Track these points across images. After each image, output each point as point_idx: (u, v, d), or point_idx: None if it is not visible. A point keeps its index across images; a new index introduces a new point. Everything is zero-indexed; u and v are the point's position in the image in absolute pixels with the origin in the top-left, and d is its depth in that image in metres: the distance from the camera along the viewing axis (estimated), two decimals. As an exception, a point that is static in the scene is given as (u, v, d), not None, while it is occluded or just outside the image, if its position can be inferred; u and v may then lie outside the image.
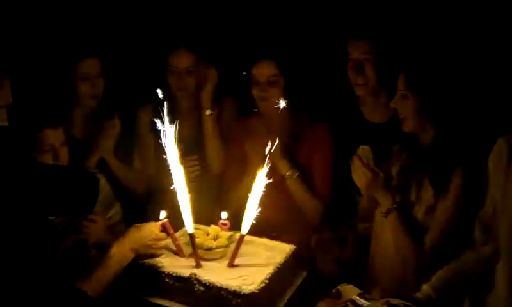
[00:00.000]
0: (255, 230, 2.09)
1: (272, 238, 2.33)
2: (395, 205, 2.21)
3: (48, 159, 2.36)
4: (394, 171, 2.36)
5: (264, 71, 2.62)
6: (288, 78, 2.62)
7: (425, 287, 2.04)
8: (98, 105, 2.82)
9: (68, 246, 2.22)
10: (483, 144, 2.11)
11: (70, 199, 2.07)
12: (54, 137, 2.37)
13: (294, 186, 2.64)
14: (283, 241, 2.23)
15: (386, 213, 2.22)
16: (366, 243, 2.44)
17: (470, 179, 2.10)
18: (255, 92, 2.66)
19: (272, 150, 2.20)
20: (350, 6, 3.05)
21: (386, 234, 2.30)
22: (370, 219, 2.43)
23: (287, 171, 2.61)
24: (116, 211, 2.58)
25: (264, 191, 2.01)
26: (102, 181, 2.56)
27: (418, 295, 2.02)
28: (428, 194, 2.20)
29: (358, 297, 2.01)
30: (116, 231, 2.45)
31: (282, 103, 2.49)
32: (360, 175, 2.26)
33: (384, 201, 2.23)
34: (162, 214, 2.11)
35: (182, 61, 2.81)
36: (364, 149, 2.30)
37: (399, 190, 2.29)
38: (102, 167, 2.74)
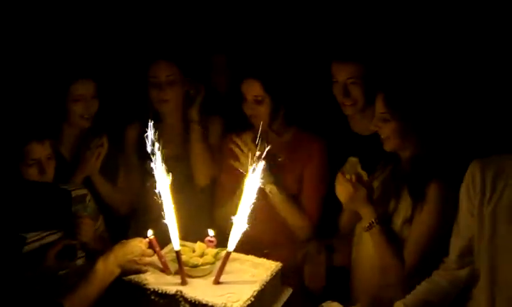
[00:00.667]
0: (246, 247, 2.10)
1: (264, 254, 2.33)
2: (376, 220, 2.23)
3: (34, 172, 2.37)
4: (376, 184, 2.39)
5: (249, 89, 2.62)
6: (275, 97, 2.61)
7: (398, 304, 2.05)
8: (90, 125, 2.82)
9: (58, 250, 2.23)
10: (462, 158, 2.14)
11: (43, 214, 2.11)
12: (40, 150, 2.38)
13: (279, 205, 2.62)
14: (274, 257, 2.23)
15: (369, 228, 2.24)
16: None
17: (446, 192, 2.13)
18: (244, 109, 2.67)
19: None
20: (335, 28, 3.11)
21: (366, 249, 2.32)
22: (349, 233, 2.46)
23: (269, 189, 2.58)
24: (100, 223, 2.60)
25: (254, 208, 2.01)
26: (88, 196, 2.60)
27: None
28: (405, 205, 2.23)
29: (341, 315, 2.03)
30: (105, 239, 2.53)
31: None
32: (342, 190, 2.28)
33: (366, 216, 2.25)
34: (150, 232, 2.11)
35: (161, 70, 2.80)
36: (352, 161, 2.32)
37: (379, 202, 2.32)
38: (87, 183, 2.75)
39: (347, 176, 2.27)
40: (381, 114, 2.24)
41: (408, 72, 2.37)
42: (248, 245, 2.09)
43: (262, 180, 2.46)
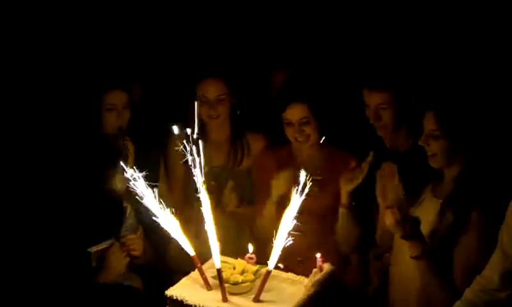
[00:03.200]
0: (281, 254, 2.08)
1: (298, 262, 2.39)
2: (425, 253, 2.14)
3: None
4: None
5: (296, 113, 2.61)
6: (322, 118, 2.63)
7: None
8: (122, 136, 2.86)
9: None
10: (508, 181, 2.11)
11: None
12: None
13: (346, 216, 2.62)
14: (309, 266, 2.21)
15: (416, 257, 2.17)
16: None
17: (490, 216, 2.09)
18: (289, 134, 2.66)
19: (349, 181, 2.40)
20: (365, 55, 3.12)
21: (405, 266, 2.30)
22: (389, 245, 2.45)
23: (348, 201, 2.60)
24: (140, 233, 2.65)
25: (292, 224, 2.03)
26: (128, 208, 2.63)
27: None
28: (447, 223, 2.19)
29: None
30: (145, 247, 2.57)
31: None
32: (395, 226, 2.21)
33: (415, 249, 2.17)
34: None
35: (212, 90, 2.81)
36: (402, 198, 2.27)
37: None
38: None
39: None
40: (431, 131, 2.21)
41: (458, 89, 2.35)
42: (282, 253, 2.10)
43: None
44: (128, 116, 2.87)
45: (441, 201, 2.27)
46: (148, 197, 2.11)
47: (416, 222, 2.17)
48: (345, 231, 2.65)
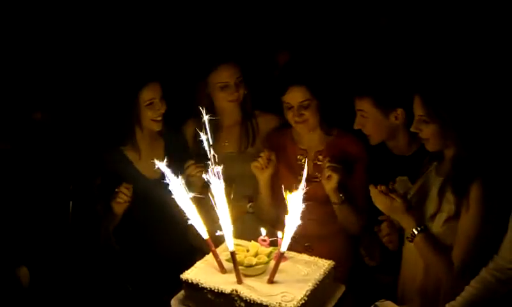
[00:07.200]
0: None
1: (305, 248, 2.41)
2: (418, 229, 2.20)
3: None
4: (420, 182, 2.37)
5: (295, 96, 2.57)
6: (322, 99, 2.60)
7: None
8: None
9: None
10: (507, 157, 2.11)
11: None
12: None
13: (341, 210, 2.61)
14: (317, 251, 2.27)
15: (411, 238, 2.22)
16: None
17: (490, 191, 2.09)
18: (289, 118, 2.64)
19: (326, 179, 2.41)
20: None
21: (414, 254, 2.30)
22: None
23: (337, 200, 2.58)
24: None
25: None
26: None
27: None
28: (449, 204, 2.20)
29: (396, 314, 2.03)
30: None
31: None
32: (379, 202, 2.27)
33: (407, 226, 2.23)
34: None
35: (232, 74, 2.79)
36: (402, 180, 2.31)
37: (423, 200, 2.30)
38: None
39: (379, 188, 2.26)
40: (420, 117, 2.21)
41: (444, 72, 2.31)
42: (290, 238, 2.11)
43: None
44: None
45: (442, 179, 2.28)
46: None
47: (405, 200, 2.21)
48: (346, 222, 2.66)
